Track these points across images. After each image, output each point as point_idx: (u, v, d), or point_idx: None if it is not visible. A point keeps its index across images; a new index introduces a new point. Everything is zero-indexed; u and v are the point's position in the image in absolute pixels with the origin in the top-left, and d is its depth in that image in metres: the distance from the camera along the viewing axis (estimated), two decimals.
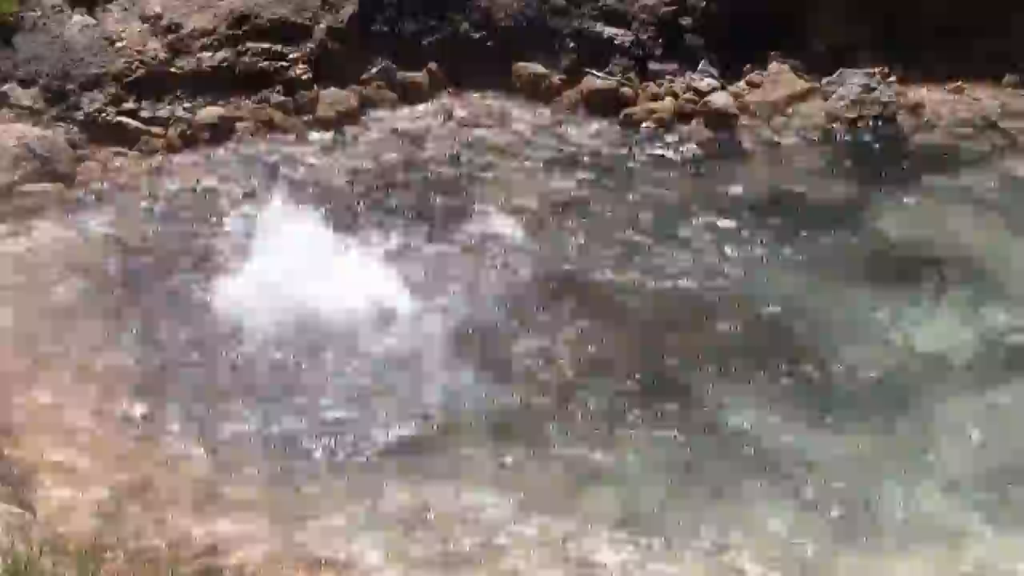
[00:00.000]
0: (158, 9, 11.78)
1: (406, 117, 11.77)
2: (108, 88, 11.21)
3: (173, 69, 11.51)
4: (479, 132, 11.59)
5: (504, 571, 6.69)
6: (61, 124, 10.88)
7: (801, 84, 12.21)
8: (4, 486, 6.52)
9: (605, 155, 11.34)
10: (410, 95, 12.00)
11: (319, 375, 8.41)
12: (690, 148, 11.53)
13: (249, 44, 11.80)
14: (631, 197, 10.70)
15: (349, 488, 7.30)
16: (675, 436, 7.91)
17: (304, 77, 11.78)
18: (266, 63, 11.77)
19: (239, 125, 11.33)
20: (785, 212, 10.57)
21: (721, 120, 11.78)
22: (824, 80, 12.16)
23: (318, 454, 7.65)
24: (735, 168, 11.25)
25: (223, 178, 10.71)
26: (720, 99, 11.91)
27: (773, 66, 12.38)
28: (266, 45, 11.82)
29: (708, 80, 12.12)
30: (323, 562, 6.79)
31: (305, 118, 11.58)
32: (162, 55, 11.55)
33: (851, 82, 12.03)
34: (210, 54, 11.66)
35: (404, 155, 11.19)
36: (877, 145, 11.61)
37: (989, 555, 7.07)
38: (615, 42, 12.32)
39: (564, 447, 7.80)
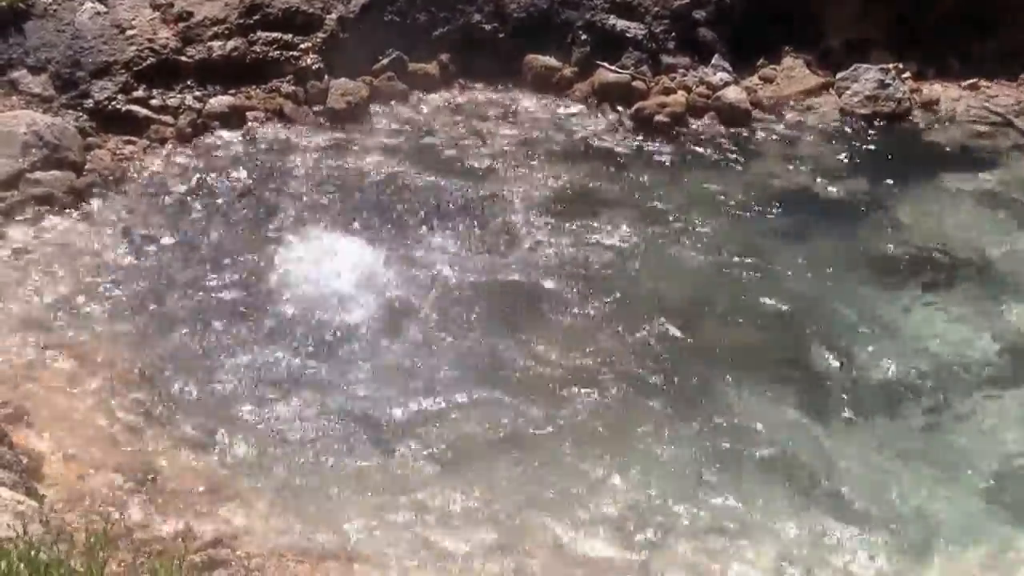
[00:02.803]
0: None
1: (417, 108, 11.71)
2: (118, 76, 11.18)
3: (183, 58, 11.47)
4: (490, 124, 11.53)
5: None
6: (71, 112, 10.84)
7: (815, 79, 12.16)
8: (13, 474, 6.48)
9: (616, 149, 11.28)
10: (421, 86, 11.96)
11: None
12: (702, 143, 11.47)
13: (260, 33, 11.77)
14: (642, 191, 10.64)
15: None
16: (682, 432, 7.93)
17: (315, 67, 11.74)
18: (277, 53, 11.74)
19: (249, 115, 11.30)
20: (798, 208, 10.51)
21: (734, 115, 11.72)
22: (838, 75, 12.11)
23: None
24: (747, 163, 11.18)
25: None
26: (733, 94, 11.85)
27: (787, 61, 12.33)
28: (277, 35, 11.79)
29: (721, 74, 12.06)
30: (328, 554, 6.80)
31: (316, 108, 11.54)
32: (172, 44, 11.51)
33: (865, 78, 11.96)
34: (221, 43, 11.61)
35: (415, 146, 11.14)
36: (891, 141, 11.53)
37: (1008, 553, 7.06)
38: (628, 35, 12.26)
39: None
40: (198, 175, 10.54)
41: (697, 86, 12.00)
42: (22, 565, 4.28)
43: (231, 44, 11.64)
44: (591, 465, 7.63)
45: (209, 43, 11.59)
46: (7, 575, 4.19)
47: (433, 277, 9.32)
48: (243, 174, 10.59)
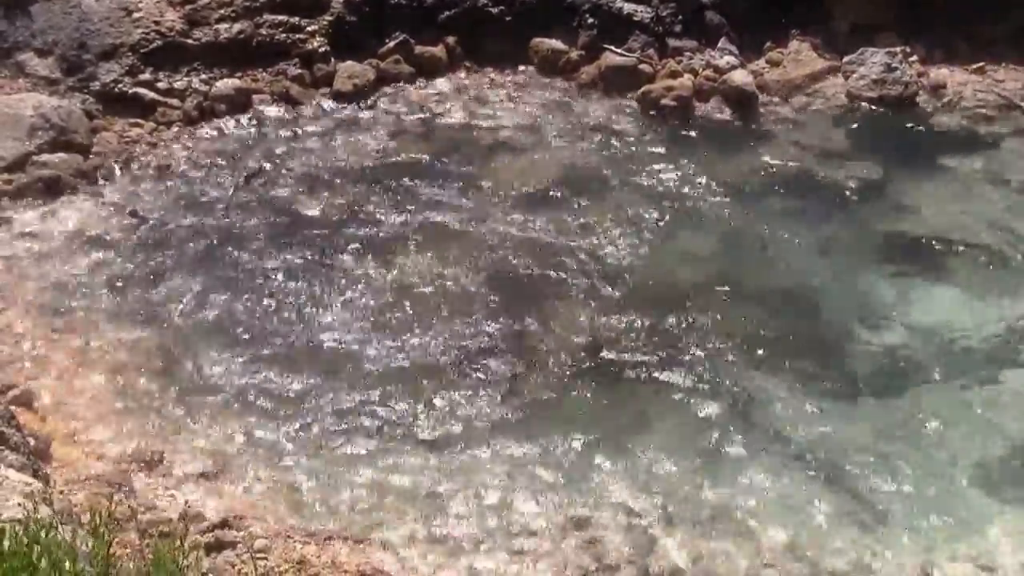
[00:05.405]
0: None
1: (423, 91, 11.70)
2: (125, 59, 11.19)
3: (190, 40, 11.48)
4: (496, 107, 11.52)
5: None
6: (77, 94, 10.87)
7: (822, 63, 12.11)
8: (21, 456, 6.51)
9: (622, 132, 11.26)
10: (427, 69, 11.94)
11: None
12: (708, 126, 11.45)
13: (266, 16, 11.77)
14: (648, 174, 10.63)
15: None
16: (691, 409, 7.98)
17: (321, 50, 11.73)
18: (283, 35, 11.74)
19: (256, 97, 11.31)
20: (803, 191, 10.50)
21: (740, 98, 11.69)
22: (845, 59, 12.06)
23: None
24: (754, 146, 11.16)
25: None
26: (740, 77, 11.80)
27: (794, 44, 12.28)
28: (283, 17, 11.79)
29: (728, 58, 12.01)
30: (334, 536, 6.83)
31: (322, 91, 11.53)
32: (179, 26, 11.51)
33: (872, 61, 11.92)
34: (227, 25, 11.62)
35: (420, 128, 11.14)
36: (897, 125, 11.50)
37: (996, 537, 7.08)
38: (634, 18, 12.23)
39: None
40: (204, 157, 10.56)
41: (704, 69, 11.97)
42: (27, 544, 4.31)
43: (237, 27, 11.64)
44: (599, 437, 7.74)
45: (216, 25, 11.59)
46: (14, 555, 4.22)
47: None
48: (249, 156, 10.60)
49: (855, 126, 11.48)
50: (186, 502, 6.81)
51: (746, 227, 9.98)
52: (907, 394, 8.21)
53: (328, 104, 11.43)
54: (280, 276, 9.16)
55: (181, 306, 8.78)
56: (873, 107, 11.65)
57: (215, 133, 10.93)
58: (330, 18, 11.91)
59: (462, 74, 12.03)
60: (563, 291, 9.12)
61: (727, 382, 8.23)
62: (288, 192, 10.16)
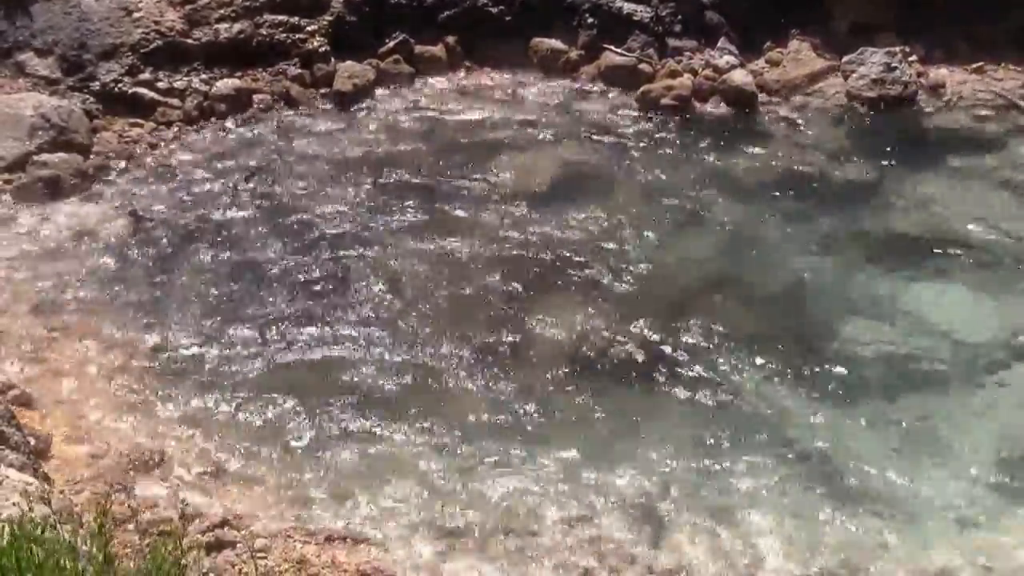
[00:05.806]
0: None
1: (423, 91, 11.72)
2: (125, 58, 11.20)
3: (190, 40, 11.49)
4: (496, 106, 11.53)
5: None
6: (77, 94, 10.89)
7: (821, 62, 12.11)
8: (21, 456, 6.53)
9: (621, 131, 11.27)
10: (427, 69, 11.96)
11: None
12: (708, 126, 11.47)
13: (266, 16, 11.79)
14: (648, 174, 10.64)
15: None
16: (691, 409, 7.99)
17: (321, 50, 11.75)
18: (283, 35, 11.75)
19: (256, 97, 11.32)
20: (802, 190, 10.51)
21: (740, 98, 11.70)
22: (844, 59, 12.05)
23: None
24: (753, 146, 11.16)
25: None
26: (739, 76, 11.82)
27: (793, 44, 12.29)
28: (283, 17, 11.81)
29: (727, 57, 12.02)
30: (334, 536, 6.84)
31: (322, 91, 11.55)
32: (179, 26, 11.52)
33: (872, 61, 11.92)
34: (227, 25, 11.63)
35: (420, 128, 11.16)
36: (896, 125, 11.50)
37: (997, 537, 7.09)
38: (634, 18, 12.24)
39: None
40: (204, 157, 10.58)
41: (703, 69, 11.98)
42: (25, 544, 4.33)
43: (237, 27, 11.65)
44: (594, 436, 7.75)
45: (216, 25, 11.60)
46: (13, 554, 4.24)
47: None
48: (249, 156, 10.61)
49: (854, 126, 11.49)
50: (185, 501, 6.82)
51: (746, 226, 9.99)
52: (909, 393, 8.21)
53: (328, 104, 11.44)
54: (280, 276, 9.16)
55: (181, 306, 8.80)
56: (872, 107, 11.65)
57: (215, 133, 10.95)
58: (330, 18, 11.92)
59: (462, 74, 12.05)
60: (563, 291, 9.12)
61: (727, 381, 8.23)
62: (288, 192, 10.17)
